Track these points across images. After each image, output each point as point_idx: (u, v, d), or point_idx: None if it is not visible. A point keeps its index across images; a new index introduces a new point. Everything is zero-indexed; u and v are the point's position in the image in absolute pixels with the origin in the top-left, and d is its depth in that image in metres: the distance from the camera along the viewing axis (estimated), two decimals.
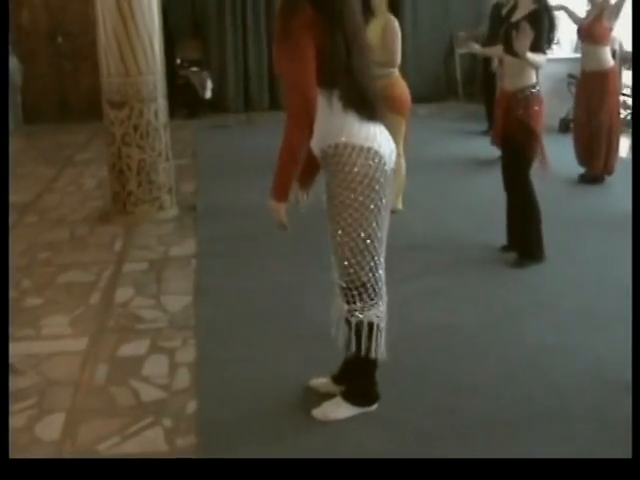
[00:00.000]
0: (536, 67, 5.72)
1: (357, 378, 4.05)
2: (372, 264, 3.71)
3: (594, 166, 8.32)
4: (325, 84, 3.55)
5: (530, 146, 5.78)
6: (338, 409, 4.00)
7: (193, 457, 3.65)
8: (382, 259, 3.78)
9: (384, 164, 3.63)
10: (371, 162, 3.58)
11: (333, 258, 3.77)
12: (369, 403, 4.04)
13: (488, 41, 10.48)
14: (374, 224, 3.65)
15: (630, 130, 9.71)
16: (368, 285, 3.74)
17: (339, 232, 3.66)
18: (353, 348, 3.83)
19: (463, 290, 5.58)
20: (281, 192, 3.66)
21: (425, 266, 6.07)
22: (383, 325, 3.85)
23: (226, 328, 5.05)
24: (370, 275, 3.72)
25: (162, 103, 7.45)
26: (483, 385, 4.27)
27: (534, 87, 5.78)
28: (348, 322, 3.81)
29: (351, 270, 3.70)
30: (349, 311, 3.78)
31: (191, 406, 4.12)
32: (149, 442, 3.83)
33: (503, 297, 5.43)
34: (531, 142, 5.77)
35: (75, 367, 4.60)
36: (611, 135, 8.27)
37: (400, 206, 7.46)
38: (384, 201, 3.67)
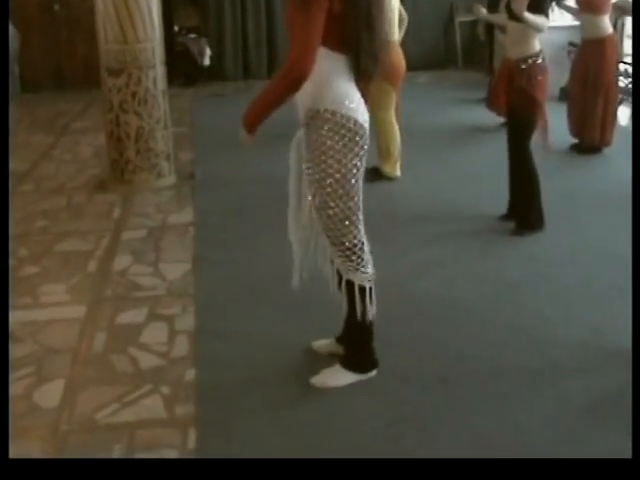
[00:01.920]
0: (537, 30, 5.65)
1: (354, 344, 4.06)
2: (355, 231, 3.76)
3: (590, 136, 8.25)
4: (342, 44, 3.58)
5: (532, 116, 5.73)
6: (337, 376, 4.01)
7: (194, 436, 3.66)
8: (361, 226, 3.81)
9: (364, 134, 3.67)
10: (352, 134, 3.63)
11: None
12: (367, 369, 4.05)
13: (489, 7, 10.44)
14: (354, 194, 3.70)
15: (630, 99, 9.71)
16: (355, 249, 3.78)
17: (326, 204, 3.69)
18: (346, 308, 3.88)
19: (461, 260, 5.57)
20: (252, 126, 3.73)
21: (424, 236, 6.05)
22: (372, 289, 3.89)
23: (225, 296, 5.04)
24: (354, 241, 3.77)
25: (160, 70, 7.40)
26: (481, 356, 4.26)
27: (537, 56, 5.72)
28: (340, 282, 3.86)
29: (335, 236, 3.75)
30: (337, 270, 3.84)
31: (190, 374, 4.12)
32: (148, 410, 3.83)
33: (502, 268, 5.41)
34: (534, 112, 5.72)
35: (73, 335, 4.60)
36: (607, 104, 8.19)
37: (398, 173, 7.45)
38: (362, 171, 3.73)
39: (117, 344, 4.48)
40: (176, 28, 13.29)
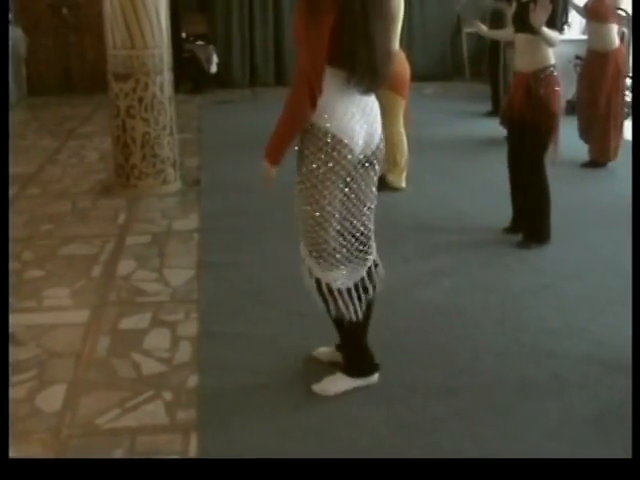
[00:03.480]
0: (550, 44, 5.65)
1: (347, 347, 4.07)
2: (326, 236, 3.78)
3: (594, 149, 8.26)
4: (337, 58, 3.56)
5: (549, 128, 5.72)
6: (337, 383, 4.01)
7: (195, 442, 3.65)
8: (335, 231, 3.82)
9: (342, 149, 3.67)
10: (329, 147, 3.65)
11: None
12: (366, 373, 4.04)
13: (492, 20, 10.45)
14: (326, 202, 3.73)
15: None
16: (324, 254, 3.80)
17: (300, 206, 3.78)
18: (320, 306, 3.91)
19: (467, 271, 5.56)
20: (275, 156, 3.73)
21: (429, 247, 6.05)
22: (346, 288, 3.86)
23: (228, 303, 5.04)
24: (324, 246, 3.80)
25: (168, 76, 7.42)
26: (485, 367, 4.26)
27: (553, 67, 5.72)
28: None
29: (308, 237, 3.81)
30: (308, 268, 3.87)
31: (192, 380, 4.12)
32: (149, 415, 3.82)
33: (507, 279, 5.41)
34: (551, 124, 5.71)
35: (76, 339, 4.60)
36: (609, 118, 8.18)
37: (404, 184, 7.45)
38: (340, 183, 3.74)
39: (120, 349, 4.48)
40: (184, 35, 13.32)
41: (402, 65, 7.23)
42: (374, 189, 3.94)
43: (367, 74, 3.63)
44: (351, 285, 3.89)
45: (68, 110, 12.28)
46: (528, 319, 4.81)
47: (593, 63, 8.17)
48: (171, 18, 7.60)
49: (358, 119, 3.71)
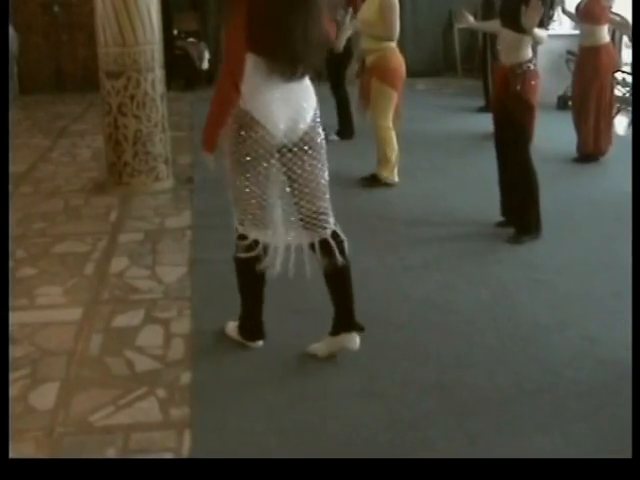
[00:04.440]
0: (540, 42, 5.70)
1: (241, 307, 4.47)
2: (240, 208, 4.19)
3: (585, 144, 8.28)
4: (253, 45, 3.81)
5: (529, 121, 5.75)
6: (231, 328, 4.53)
7: (189, 439, 3.65)
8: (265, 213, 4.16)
9: (259, 130, 3.92)
10: (247, 127, 3.93)
11: None
12: (246, 337, 4.44)
13: (483, 12, 10.47)
14: (244, 177, 4.06)
15: (629, 108, 9.73)
16: (248, 217, 4.18)
17: (229, 178, 4.15)
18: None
19: (459, 266, 5.57)
20: (209, 143, 4.10)
21: (421, 242, 6.06)
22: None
23: (221, 300, 5.03)
24: (242, 216, 4.20)
25: (159, 73, 7.41)
26: (478, 362, 4.26)
27: (531, 62, 5.76)
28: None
29: (235, 206, 4.22)
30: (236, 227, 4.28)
31: (185, 377, 4.12)
32: (143, 412, 3.82)
33: (499, 274, 5.41)
34: (530, 116, 5.74)
35: (69, 337, 4.60)
36: (600, 113, 8.21)
37: (397, 179, 7.46)
38: (254, 161, 4.01)
39: (113, 346, 4.48)
40: (175, 32, 13.31)
41: (398, 62, 7.26)
42: (316, 173, 4.11)
43: (286, 62, 3.85)
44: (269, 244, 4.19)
45: (60, 108, 12.26)
46: (521, 314, 4.81)
47: (583, 59, 8.22)
48: (163, 15, 7.59)
49: (280, 104, 3.92)
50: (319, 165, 4.10)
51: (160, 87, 7.43)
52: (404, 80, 7.36)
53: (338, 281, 4.22)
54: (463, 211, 6.71)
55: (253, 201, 4.11)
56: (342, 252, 4.16)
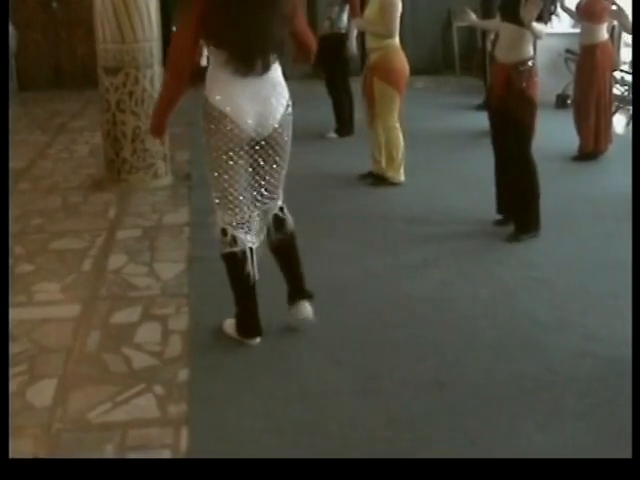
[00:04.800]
0: (538, 37, 5.69)
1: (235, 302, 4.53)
2: (217, 193, 4.28)
3: (585, 142, 8.28)
4: (211, 40, 4.06)
5: (531, 118, 5.74)
6: (229, 325, 4.56)
7: (186, 436, 3.65)
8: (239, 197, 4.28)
9: (228, 123, 4.09)
10: (216, 121, 4.12)
11: None
12: (242, 334, 4.48)
13: (482, 11, 10.46)
14: (219, 167, 4.21)
15: (628, 107, 9.73)
16: (224, 201, 4.27)
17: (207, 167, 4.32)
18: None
19: (458, 264, 5.56)
20: (155, 129, 4.45)
21: (420, 239, 6.06)
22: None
23: (219, 297, 5.02)
24: (216, 201, 4.30)
25: (158, 70, 7.39)
26: (476, 360, 4.25)
27: (532, 59, 5.74)
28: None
29: (213, 192, 4.31)
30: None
31: (183, 374, 4.12)
32: (140, 409, 3.82)
33: (498, 272, 5.41)
34: (532, 114, 5.72)
35: (67, 334, 4.59)
36: (600, 111, 8.21)
37: (402, 178, 7.44)
38: (228, 149, 4.16)
39: (111, 343, 4.47)
40: (174, 28, 13.27)
41: (400, 62, 7.24)
42: (281, 166, 4.32)
43: (242, 58, 4.01)
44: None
45: (58, 105, 12.26)
46: (519, 312, 4.81)
47: (583, 58, 8.23)
48: (161, 11, 7.58)
49: (247, 99, 4.09)
50: (283, 160, 4.32)
51: (159, 84, 7.40)
52: (406, 80, 7.35)
53: (287, 252, 4.52)
54: (462, 209, 6.70)
55: (230, 197, 4.24)
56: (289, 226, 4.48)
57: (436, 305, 4.92)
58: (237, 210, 4.25)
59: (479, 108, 10.80)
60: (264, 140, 4.17)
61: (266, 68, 4.09)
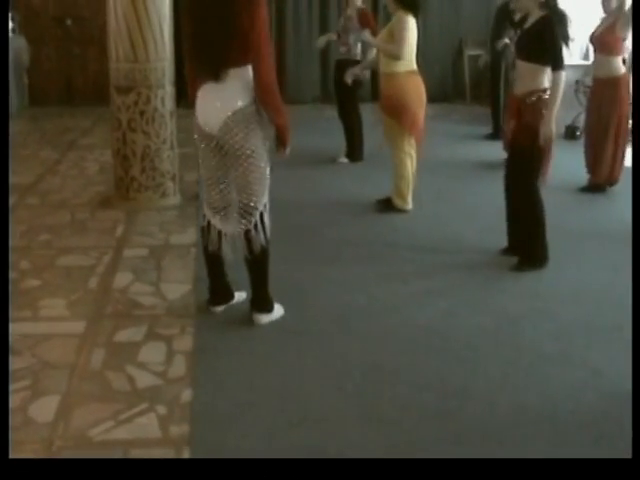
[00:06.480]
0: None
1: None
2: (203, 193, 5.02)
3: (598, 174, 8.29)
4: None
5: (539, 151, 5.74)
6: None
7: (188, 457, 3.65)
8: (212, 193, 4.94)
9: (201, 132, 4.76)
10: (197, 129, 4.78)
11: None
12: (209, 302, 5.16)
13: (492, 42, 10.54)
14: (203, 168, 4.92)
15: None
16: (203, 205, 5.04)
17: None
18: None
19: (463, 293, 5.56)
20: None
21: (426, 268, 6.06)
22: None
23: (224, 318, 5.04)
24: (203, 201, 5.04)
25: (169, 90, 7.44)
26: (478, 390, 4.25)
27: (544, 91, 5.73)
28: None
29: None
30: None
31: (186, 394, 4.11)
32: (142, 428, 3.82)
33: (503, 302, 5.40)
34: (539, 147, 5.72)
35: (71, 350, 4.59)
36: (618, 143, 8.24)
37: (409, 207, 7.42)
38: (206, 154, 4.83)
39: (115, 361, 4.47)
40: None
41: (411, 90, 7.23)
42: (251, 170, 4.71)
43: (198, 67, 4.71)
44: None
45: (69, 121, 12.32)
46: (523, 343, 4.80)
47: (601, 90, 8.17)
48: (174, 32, 7.62)
49: (203, 100, 4.69)
50: (242, 165, 4.69)
51: (170, 104, 7.46)
52: (414, 112, 7.20)
53: (255, 267, 4.90)
54: (468, 238, 6.71)
55: (203, 177, 4.98)
56: (264, 239, 4.82)
57: (439, 333, 4.92)
58: (207, 189, 4.96)
59: (489, 137, 10.85)
60: (213, 142, 4.71)
61: (217, 77, 4.56)
